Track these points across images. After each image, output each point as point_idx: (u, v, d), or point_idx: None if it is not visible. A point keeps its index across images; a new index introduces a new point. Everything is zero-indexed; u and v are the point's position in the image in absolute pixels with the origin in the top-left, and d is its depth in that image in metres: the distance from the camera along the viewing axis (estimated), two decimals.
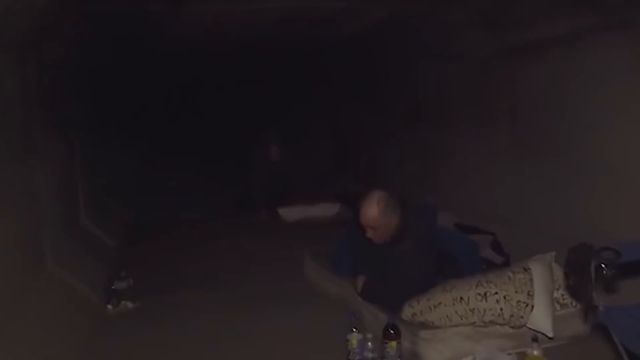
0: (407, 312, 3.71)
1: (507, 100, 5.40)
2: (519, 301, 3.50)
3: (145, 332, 4.41)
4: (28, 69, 4.52)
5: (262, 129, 8.90)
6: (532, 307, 3.49)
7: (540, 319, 3.49)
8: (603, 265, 2.35)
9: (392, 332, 3.43)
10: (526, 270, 3.64)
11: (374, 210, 3.90)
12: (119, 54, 7.90)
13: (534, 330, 3.51)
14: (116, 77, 9.35)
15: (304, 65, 10.41)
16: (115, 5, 4.95)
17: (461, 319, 3.55)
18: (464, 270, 3.99)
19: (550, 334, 3.50)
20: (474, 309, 3.54)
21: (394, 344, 3.41)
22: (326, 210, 7.74)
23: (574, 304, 3.63)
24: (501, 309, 3.52)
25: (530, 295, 3.50)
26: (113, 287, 5.16)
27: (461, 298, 3.56)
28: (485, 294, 3.55)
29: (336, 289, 4.69)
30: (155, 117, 13.06)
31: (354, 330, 3.57)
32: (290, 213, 7.69)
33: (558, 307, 3.68)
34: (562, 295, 3.69)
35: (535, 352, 3.30)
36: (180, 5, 5.22)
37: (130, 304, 4.89)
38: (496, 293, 3.54)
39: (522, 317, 3.49)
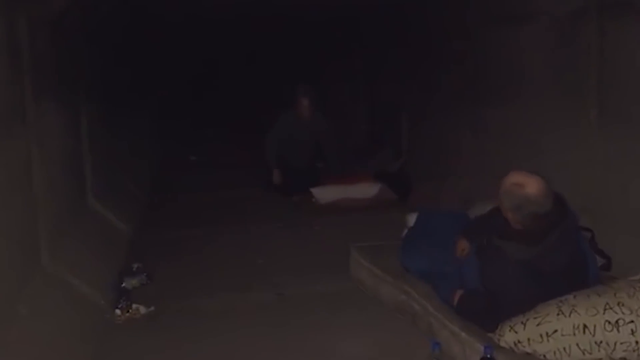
0: (508, 338, 2.79)
1: (594, 68, 4.43)
2: None
3: (158, 346, 3.58)
4: (17, 24, 3.61)
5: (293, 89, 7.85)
6: None
7: None
8: None
9: None
10: None
11: (506, 185, 3.06)
12: (137, 21, 7.10)
13: None
14: (135, 44, 8.52)
15: (339, 35, 9.49)
16: None
17: (583, 354, 2.66)
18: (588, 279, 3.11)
19: None
20: (601, 342, 2.64)
21: None
22: (365, 191, 6.85)
23: None
24: (637, 342, 2.62)
25: None
26: (123, 286, 4.34)
27: (585, 327, 2.65)
28: (617, 322, 2.64)
29: (393, 292, 3.80)
30: (174, 88, 12.25)
31: None
32: (325, 193, 6.80)
33: None
34: None
35: None
36: None
37: (142, 309, 4.04)
38: (632, 322, 2.63)
39: None
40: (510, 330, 2.77)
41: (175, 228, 5.98)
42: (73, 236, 4.40)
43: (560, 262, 3.00)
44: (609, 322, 2.64)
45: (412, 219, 4.44)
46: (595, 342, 2.64)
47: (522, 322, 2.76)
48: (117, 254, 4.96)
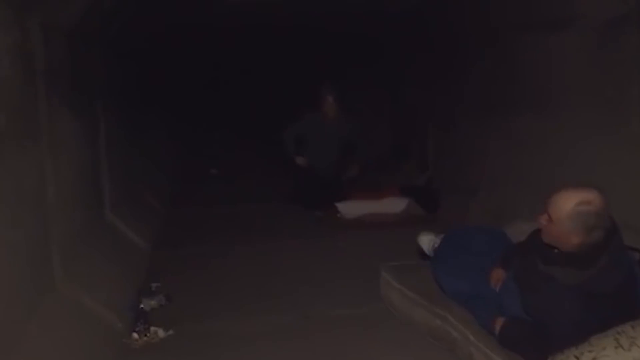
0: None
1: (635, 78, 4.16)
2: None
3: None
4: (31, 31, 3.42)
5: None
6: None
7: None
8: None
9: None
10: None
11: (567, 205, 2.75)
12: (155, 28, 6.93)
13: None
14: (154, 52, 8.35)
15: (360, 41, 9.26)
16: None
17: None
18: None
19: None
20: None
21: None
22: (392, 206, 6.60)
23: None
24: None
25: None
26: (141, 307, 4.12)
27: None
28: None
29: (428, 317, 3.55)
30: (195, 97, 12.08)
31: None
32: (350, 208, 6.55)
33: None
34: None
35: None
36: None
37: (161, 332, 3.82)
38: None
39: None
40: None
41: (194, 244, 5.75)
42: (89, 253, 4.19)
43: (614, 283, 2.74)
44: None
45: (425, 239, 4.15)
46: None
47: (575, 356, 2.49)
48: (135, 272, 4.74)
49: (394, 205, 6.58)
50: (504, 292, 3.11)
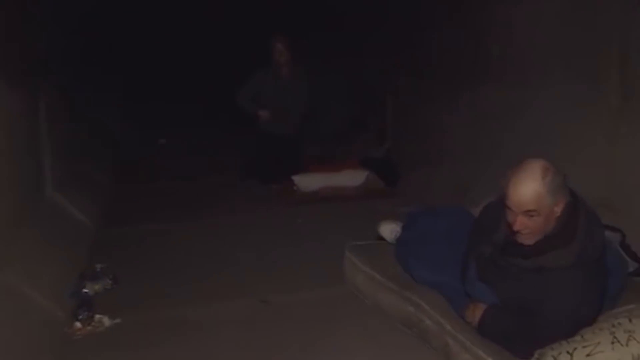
0: None
1: (616, 49, 3.95)
2: None
3: None
4: None
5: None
6: None
7: None
8: None
9: None
10: None
11: (537, 184, 2.49)
12: None
13: None
14: (97, 21, 7.86)
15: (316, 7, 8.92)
16: None
17: None
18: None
19: None
20: None
21: None
22: (351, 178, 6.33)
23: None
24: None
25: None
26: (84, 291, 3.78)
27: None
28: None
29: (398, 303, 3.29)
30: (142, 66, 11.56)
31: None
32: (308, 181, 6.26)
33: None
34: None
35: None
36: None
37: (106, 320, 3.50)
38: None
39: None
40: None
41: (143, 222, 5.35)
42: (27, 235, 3.84)
43: (601, 244, 2.59)
44: None
45: (386, 229, 3.89)
46: None
47: (568, 352, 2.27)
48: (78, 253, 4.39)
49: (353, 178, 6.32)
50: (472, 291, 2.88)
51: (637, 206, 3.71)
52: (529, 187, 2.50)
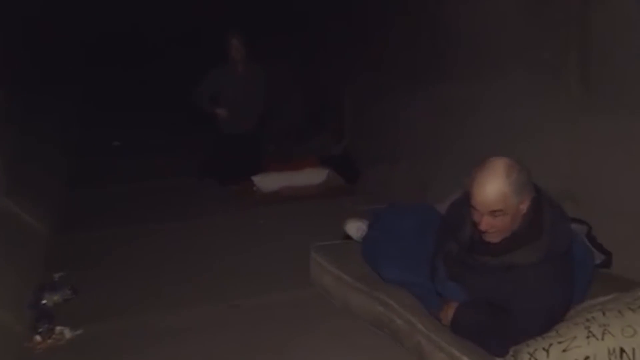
0: None
1: (575, 38, 3.98)
2: None
3: None
4: None
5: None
6: None
7: None
8: None
9: None
10: None
11: (502, 183, 2.45)
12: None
13: None
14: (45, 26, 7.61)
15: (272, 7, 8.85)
16: None
17: None
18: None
19: None
20: None
21: None
22: (312, 177, 6.28)
23: None
24: None
25: None
26: (43, 303, 3.65)
27: (622, 351, 2.18)
28: None
29: (367, 303, 3.25)
30: (92, 70, 11.34)
31: None
32: (268, 181, 6.18)
33: None
34: None
35: None
36: None
37: (68, 332, 3.38)
38: None
39: None
40: (530, 359, 2.27)
41: (100, 227, 5.21)
42: None
43: (569, 236, 2.58)
44: None
45: (352, 227, 3.83)
46: None
47: (544, 348, 2.25)
48: (33, 262, 4.25)
49: (314, 176, 6.27)
50: (443, 291, 2.85)
51: (600, 198, 3.74)
52: (494, 187, 2.46)
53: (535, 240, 2.51)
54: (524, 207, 2.52)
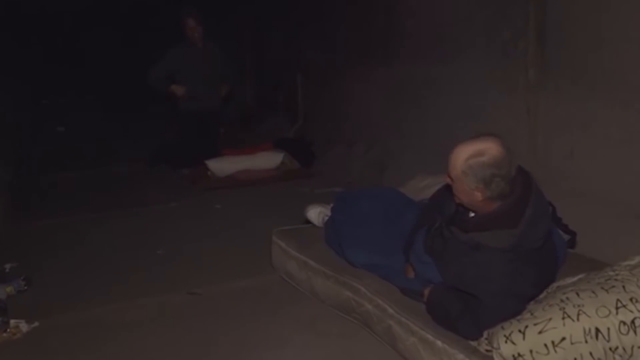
0: (505, 351, 2.24)
1: (532, 20, 3.98)
2: None
3: None
4: None
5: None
6: None
7: None
8: None
9: None
10: None
11: (461, 159, 2.43)
12: None
13: None
14: None
15: None
16: None
17: None
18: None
19: None
20: (617, 348, 2.18)
21: None
22: (267, 160, 6.21)
23: None
24: None
25: None
26: None
27: (598, 331, 2.18)
28: (632, 322, 2.18)
29: (334, 288, 3.19)
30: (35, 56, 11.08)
31: None
32: (222, 165, 6.09)
33: None
34: None
35: None
36: None
37: (24, 325, 3.24)
38: None
39: None
40: (506, 342, 2.24)
41: (50, 215, 5.07)
42: None
43: (542, 236, 2.52)
44: (624, 323, 2.18)
45: (313, 213, 3.74)
46: (610, 349, 2.18)
47: (520, 331, 2.24)
48: None
49: (269, 160, 6.20)
50: (418, 266, 2.82)
51: (559, 179, 3.77)
52: (455, 155, 2.46)
53: (509, 228, 2.48)
54: (478, 196, 2.47)
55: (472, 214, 2.61)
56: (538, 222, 2.51)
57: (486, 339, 2.37)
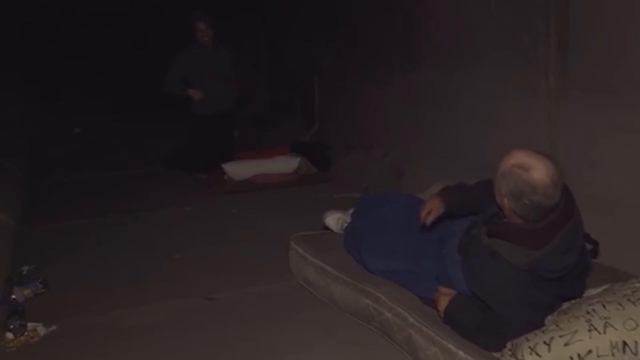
0: None
1: (554, 27, 3.93)
2: None
3: None
4: None
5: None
6: None
7: None
8: None
9: None
10: None
11: (505, 168, 2.41)
12: None
13: None
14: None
15: None
16: None
17: None
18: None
19: None
20: None
21: None
22: (283, 165, 6.20)
23: None
24: None
25: None
26: (12, 298, 3.51)
27: (625, 344, 2.14)
28: None
29: (353, 295, 3.16)
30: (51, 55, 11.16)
31: None
32: (239, 169, 6.08)
33: None
34: None
35: None
36: None
37: (41, 329, 3.24)
38: None
39: None
40: (531, 354, 2.21)
41: (68, 217, 5.08)
42: None
43: (562, 267, 2.45)
44: None
45: (331, 219, 3.71)
46: None
47: (545, 342, 2.20)
48: (1, 255, 4.08)
49: (285, 164, 6.19)
50: (449, 263, 2.78)
51: (580, 186, 3.70)
52: (508, 156, 2.42)
53: (530, 249, 2.43)
54: (507, 204, 2.44)
55: (506, 219, 2.56)
56: (562, 255, 2.42)
57: (510, 349, 2.33)
